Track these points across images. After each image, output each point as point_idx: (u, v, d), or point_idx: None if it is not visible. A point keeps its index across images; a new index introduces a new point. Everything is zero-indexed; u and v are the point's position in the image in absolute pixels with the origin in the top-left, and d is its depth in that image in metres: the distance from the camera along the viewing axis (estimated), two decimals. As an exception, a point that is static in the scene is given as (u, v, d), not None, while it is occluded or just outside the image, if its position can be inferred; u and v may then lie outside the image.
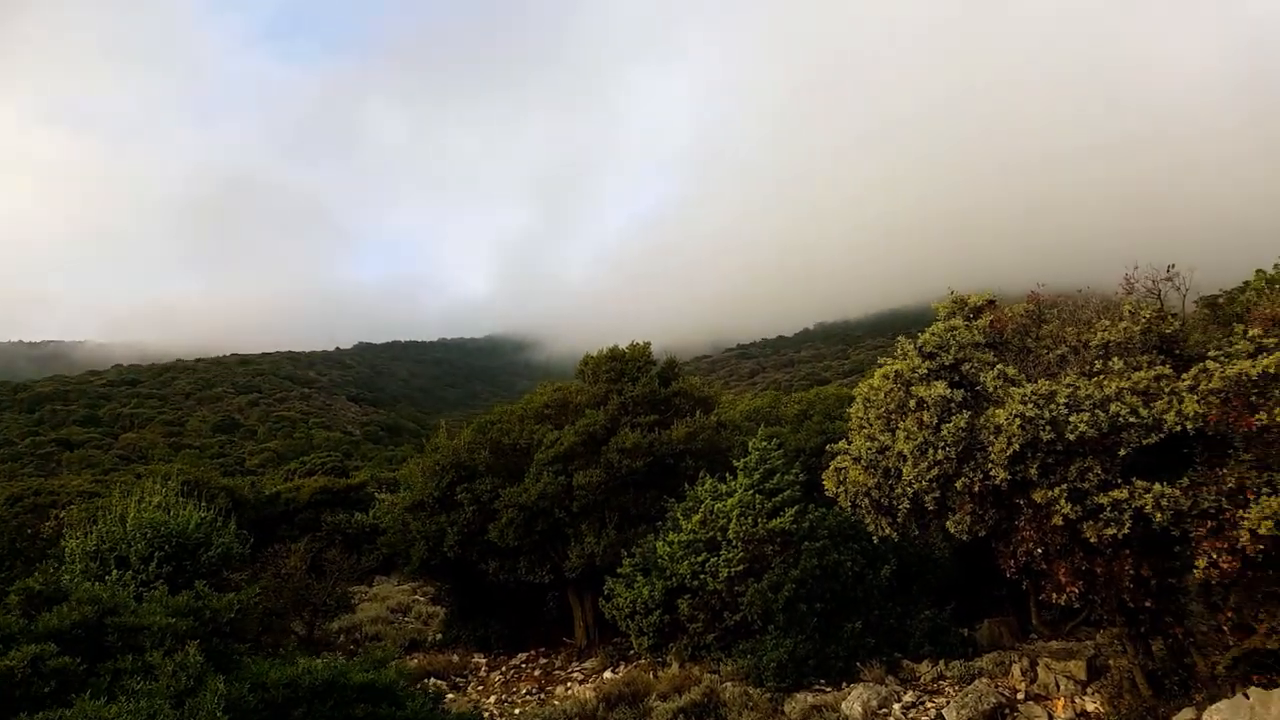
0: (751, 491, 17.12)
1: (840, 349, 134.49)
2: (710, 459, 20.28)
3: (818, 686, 15.00)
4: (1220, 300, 18.19)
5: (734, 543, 16.52)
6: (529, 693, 18.51)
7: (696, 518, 17.54)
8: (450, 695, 18.23)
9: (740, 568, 16.31)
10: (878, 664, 14.96)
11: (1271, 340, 10.79)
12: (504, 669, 20.70)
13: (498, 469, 21.58)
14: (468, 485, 21.24)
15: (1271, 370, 9.88)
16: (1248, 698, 10.53)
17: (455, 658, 21.36)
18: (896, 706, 13.77)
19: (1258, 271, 27.85)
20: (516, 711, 16.99)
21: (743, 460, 18.02)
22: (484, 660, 21.49)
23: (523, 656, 21.53)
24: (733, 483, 17.72)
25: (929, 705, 13.74)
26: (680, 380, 23.07)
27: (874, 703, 13.77)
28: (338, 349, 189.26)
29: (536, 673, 20.13)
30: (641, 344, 23.00)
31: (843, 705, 13.82)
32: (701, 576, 16.75)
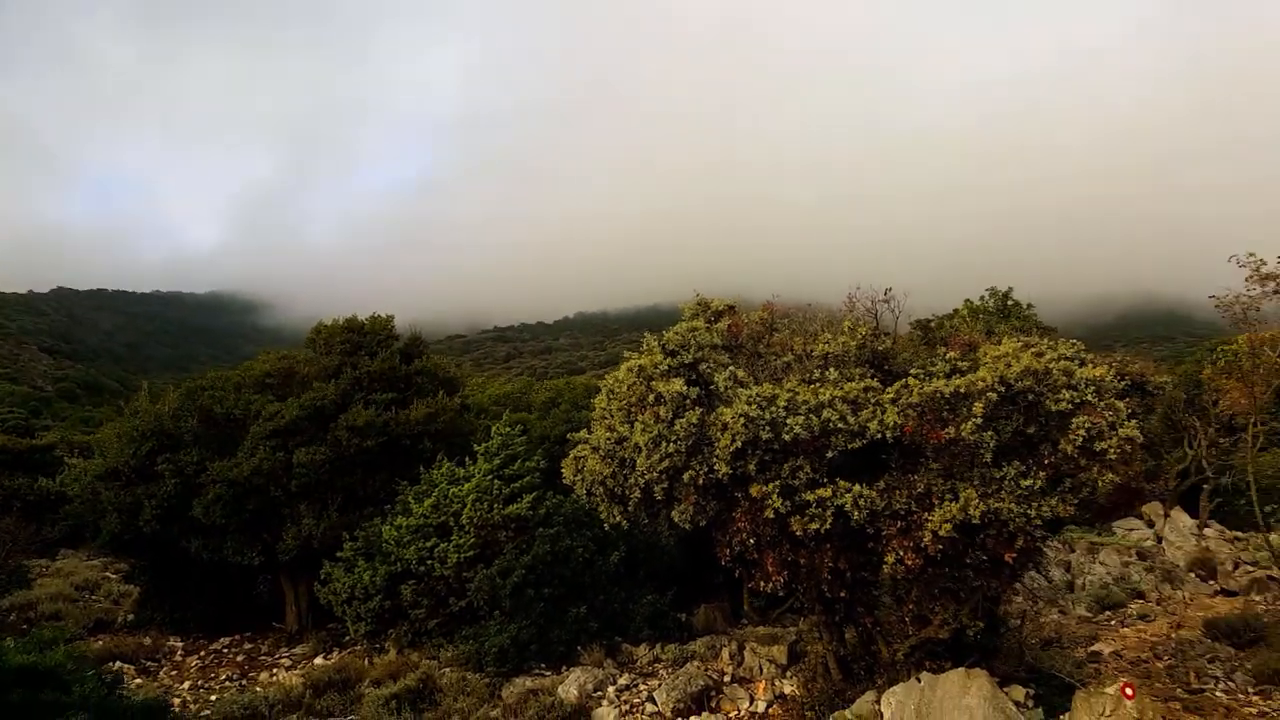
0: (490, 477, 16.98)
1: (598, 340, 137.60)
2: (451, 442, 19.89)
3: (538, 671, 15.19)
4: (931, 324, 20.55)
5: (466, 528, 16.30)
6: (229, 679, 17.24)
7: (429, 501, 17.13)
8: (137, 680, 16.61)
9: (471, 553, 16.13)
10: (598, 647, 15.40)
11: (965, 364, 12.28)
12: (203, 653, 19.16)
13: (207, 439, 19.85)
14: (171, 455, 19.38)
15: (962, 390, 11.21)
16: (920, 681, 11.95)
17: (148, 640, 19.49)
18: (611, 689, 14.24)
19: (966, 301, 31.68)
20: (213, 698, 15.73)
21: (484, 445, 17.84)
22: (180, 644, 19.78)
23: (225, 641, 20.01)
24: (472, 467, 17.48)
25: (642, 688, 14.33)
26: (425, 359, 22.43)
27: (590, 685, 14.15)
28: (31, 292, 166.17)
29: (240, 658, 18.79)
30: (384, 316, 22.11)
31: (559, 689, 14.08)
32: (429, 562, 16.38)
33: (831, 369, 12.53)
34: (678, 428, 11.42)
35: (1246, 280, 15.13)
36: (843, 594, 12.71)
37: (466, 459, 17.94)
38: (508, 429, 18.07)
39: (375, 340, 21.53)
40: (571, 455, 13.14)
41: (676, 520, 12.01)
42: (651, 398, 11.85)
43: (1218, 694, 13.37)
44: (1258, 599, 19.49)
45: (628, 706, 13.71)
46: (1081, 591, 20.74)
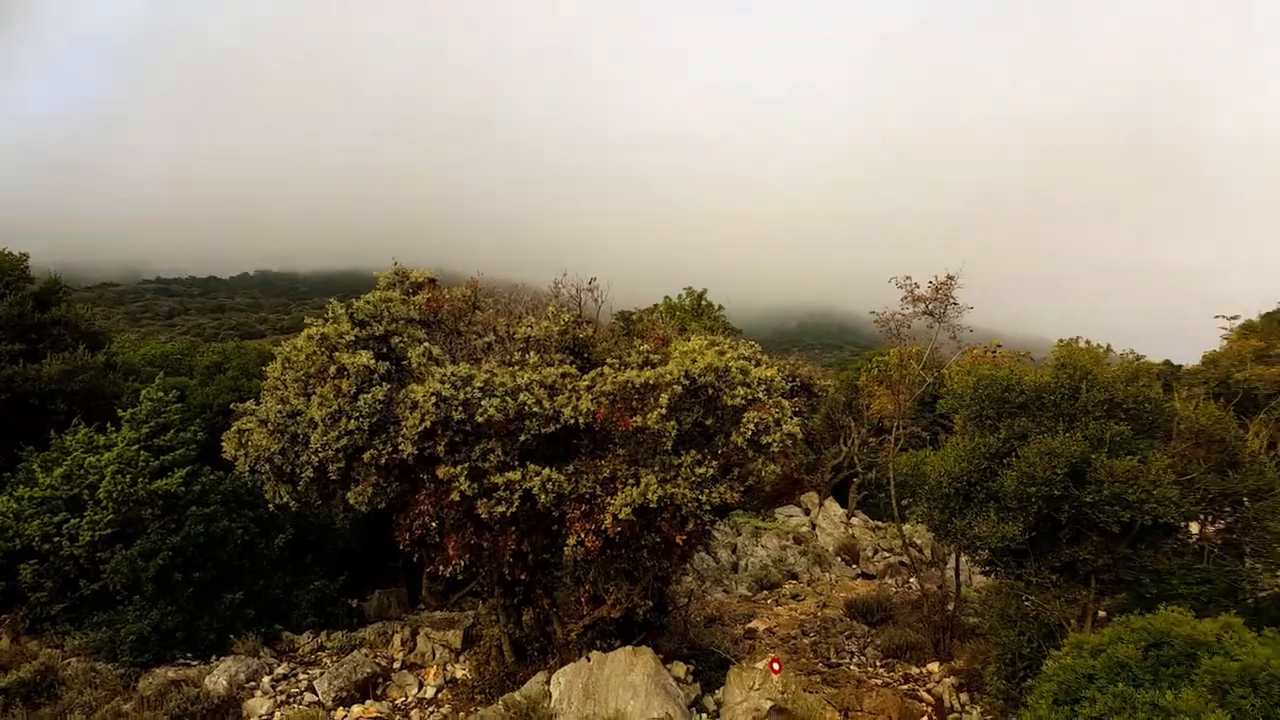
0: (137, 447, 15.26)
1: (282, 302, 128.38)
2: (92, 405, 17.66)
3: (183, 661, 13.98)
4: (632, 316, 21.49)
5: (104, 503, 14.53)
6: None
7: (60, 471, 15.08)
8: None
9: (109, 531, 14.42)
10: (254, 636, 14.47)
11: (658, 356, 13.01)
12: None
13: None
14: None
15: (651, 381, 11.86)
16: (589, 660, 12.52)
17: None
18: (266, 679, 13.45)
19: (665, 298, 33.42)
20: None
21: (131, 411, 15.99)
22: None
23: None
24: (115, 435, 15.61)
25: (302, 677, 13.69)
26: (66, 307, 19.73)
27: (242, 676, 13.28)
28: None
29: None
30: (15, 254, 19.12)
31: (206, 680, 13.07)
32: (57, 539, 14.44)
33: (533, 353, 12.72)
34: (361, 404, 11.00)
35: (901, 300, 17.42)
36: (523, 576, 12.98)
37: (109, 425, 15.99)
38: (161, 394, 16.34)
39: (1, 281, 18.55)
40: (235, 427, 12.21)
41: (353, 502, 11.58)
42: (334, 370, 11.31)
43: (852, 667, 15.34)
44: (890, 582, 22.69)
45: (284, 697, 13.03)
46: (744, 572, 22.85)
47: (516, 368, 12.25)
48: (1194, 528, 13.60)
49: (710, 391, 12.04)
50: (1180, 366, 28.63)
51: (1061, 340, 13.87)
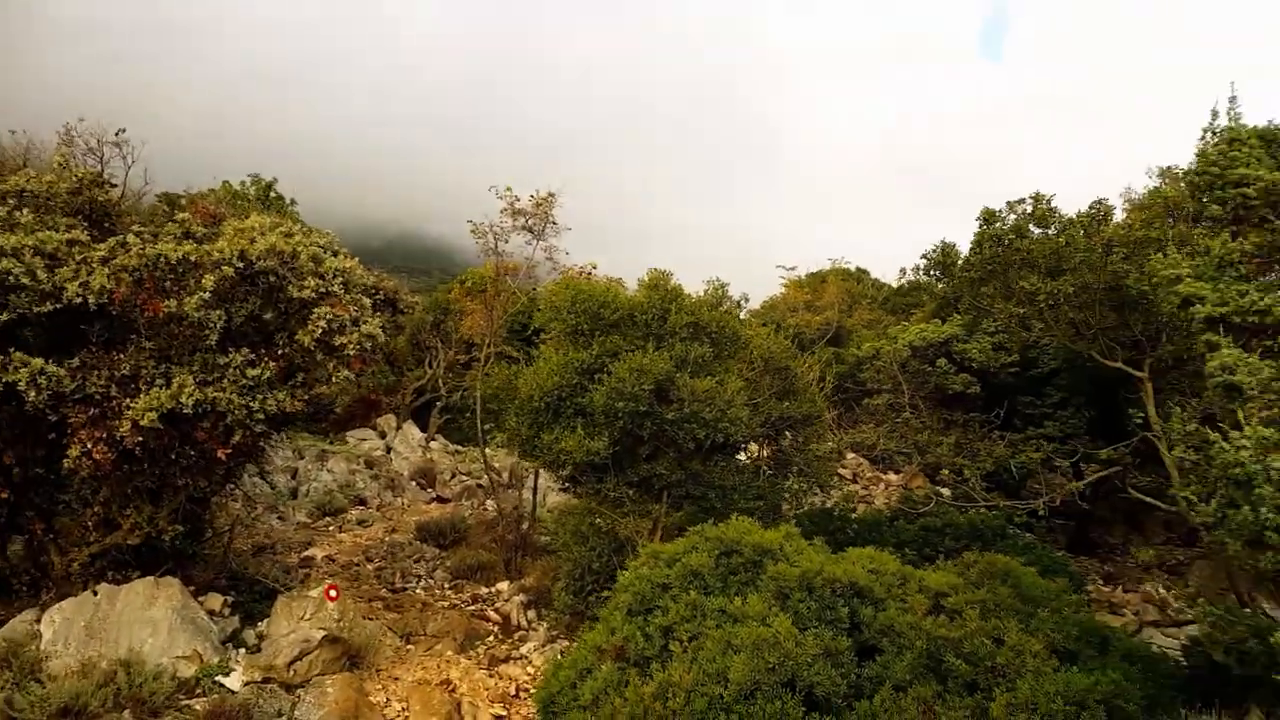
0: None
1: None
2: None
3: None
4: (182, 198, 18.53)
5: None
6: None
7: None
8: None
9: None
10: None
11: (201, 230, 11.11)
12: None
13: None
14: None
15: (193, 258, 10.04)
16: (96, 594, 10.50)
17: None
18: None
19: (225, 182, 29.59)
20: None
21: None
22: None
23: None
24: None
25: None
26: None
27: None
28: None
29: None
30: None
31: None
32: None
33: (27, 210, 10.20)
34: None
35: (501, 212, 16.95)
36: (6, 495, 10.53)
37: None
38: None
39: None
40: None
41: None
42: None
43: (418, 591, 14.84)
44: (466, 504, 22.55)
45: None
46: (305, 498, 21.30)
47: (4, 229, 9.74)
48: (753, 448, 15.02)
49: (273, 279, 10.58)
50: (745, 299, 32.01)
51: (652, 268, 14.31)
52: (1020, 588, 8.46)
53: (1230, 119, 6.59)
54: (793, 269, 35.03)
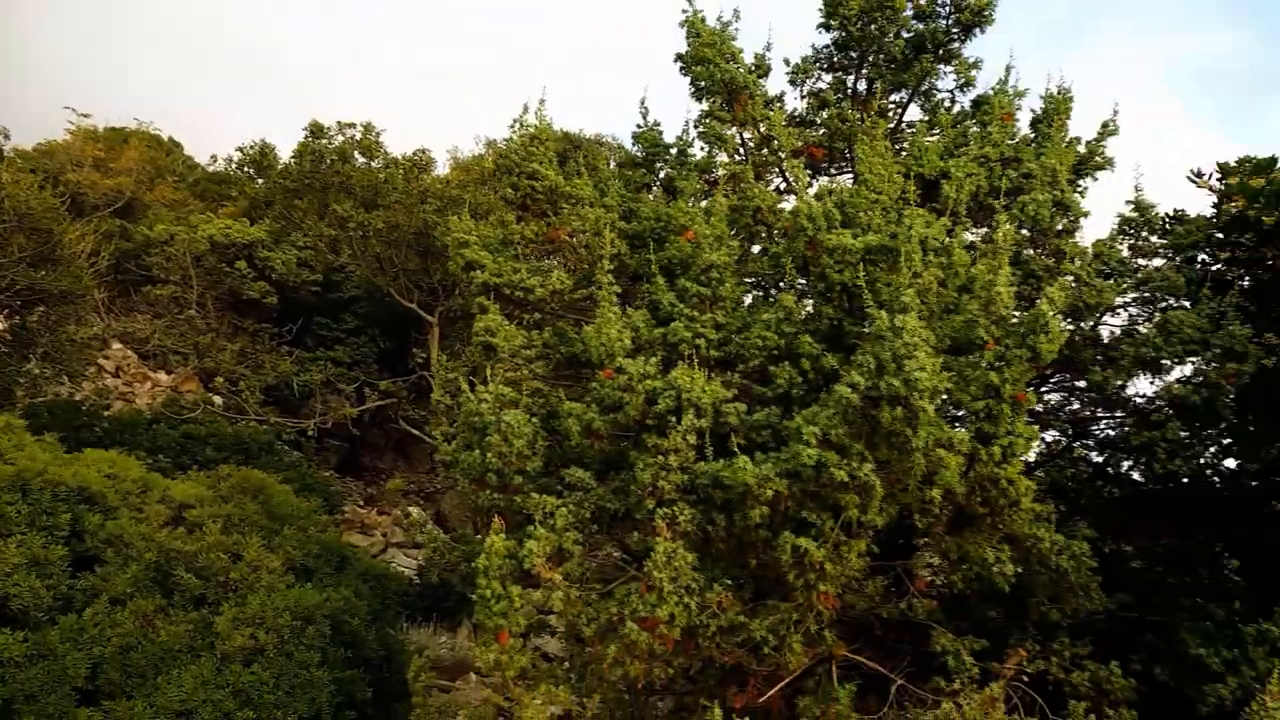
0: None
1: None
2: None
3: None
4: None
5: None
6: None
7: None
8: None
9: None
10: None
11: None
12: None
13: None
14: None
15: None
16: None
17: None
18: None
19: None
20: None
21: None
22: None
23: None
24: None
25: None
26: None
27: None
28: None
29: None
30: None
31: None
32: None
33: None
34: None
35: None
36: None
37: None
38: None
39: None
40: None
41: None
42: None
43: None
44: None
45: None
46: None
47: None
48: (-9, 319, 12.73)
49: None
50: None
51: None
52: (270, 505, 8.70)
53: (538, 118, 7.69)
54: (87, 116, 30.43)
